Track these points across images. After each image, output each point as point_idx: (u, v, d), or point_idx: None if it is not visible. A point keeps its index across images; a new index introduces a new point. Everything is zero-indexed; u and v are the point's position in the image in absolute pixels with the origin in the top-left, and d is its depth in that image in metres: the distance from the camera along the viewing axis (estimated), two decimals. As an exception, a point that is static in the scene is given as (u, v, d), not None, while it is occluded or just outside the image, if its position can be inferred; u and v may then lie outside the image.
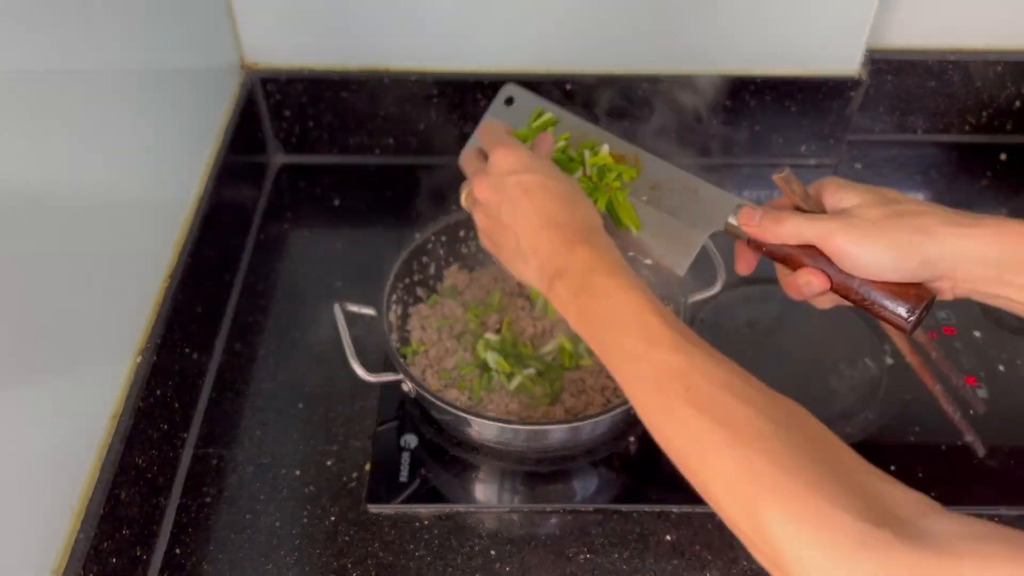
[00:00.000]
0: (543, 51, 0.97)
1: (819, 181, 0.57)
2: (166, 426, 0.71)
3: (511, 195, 0.56)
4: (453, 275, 0.85)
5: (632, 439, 0.75)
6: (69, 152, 0.61)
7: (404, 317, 0.81)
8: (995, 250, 0.50)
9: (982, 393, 0.79)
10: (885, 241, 0.51)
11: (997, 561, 0.36)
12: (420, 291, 0.83)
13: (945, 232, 0.50)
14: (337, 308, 0.73)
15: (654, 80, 0.98)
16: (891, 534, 0.38)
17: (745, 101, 1.00)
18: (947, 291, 0.53)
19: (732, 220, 0.59)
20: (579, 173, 0.65)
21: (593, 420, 0.68)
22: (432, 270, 0.84)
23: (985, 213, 0.52)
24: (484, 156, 0.61)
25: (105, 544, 0.60)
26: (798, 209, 0.56)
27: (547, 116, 0.68)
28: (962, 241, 0.50)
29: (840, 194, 0.54)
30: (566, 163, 0.65)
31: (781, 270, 0.58)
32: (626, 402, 0.67)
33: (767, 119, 1.02)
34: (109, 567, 0.60)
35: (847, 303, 0.56)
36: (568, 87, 0.98)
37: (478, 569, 0.67)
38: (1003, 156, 1.08)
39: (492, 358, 0.76)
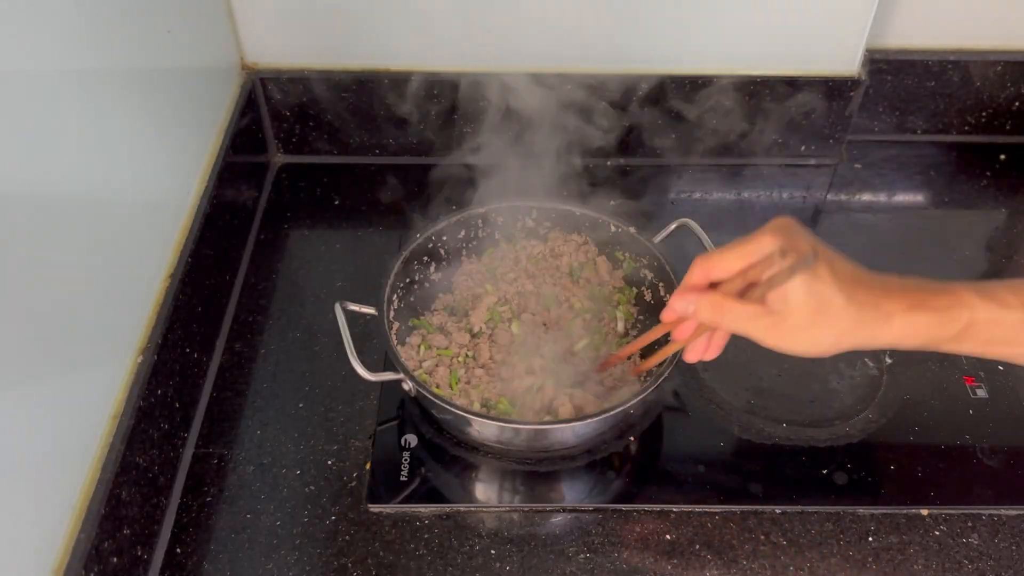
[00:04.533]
0: (543, 51, 0.97)
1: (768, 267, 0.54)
2: (166, 426, 0.71)
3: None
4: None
5: (632, 439, 0.75)
6: (69, 152, 0.61)
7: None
8: (910, 342, 0.54)
9: (982, 393, 0.79)
10: (822, 348, 0.55)
11: None
12: (420, 292, 0.83)
13: (861, 337, 0.54)
14: (337, 308, 0.73)
15: (654, 80, 0.98)
16: None
17: (745, 101, 1.00)
18: None
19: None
20: None
21: (593, 420, 0.68)
22: (432, 270, 0.84)
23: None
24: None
25: (106, 544, 0.60)
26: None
27: None
28: (879, 340, 0.54)
29: (784, 294, 0.53)
30: None
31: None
32: (626, 402, 0.67)
33: (767, 119, 1.02)
34: (110, 567, 0.60)
35: None
36: (568, 87, 0.98)
37: (478, 569, 0.67)
38: (1002, 156, 1.08)
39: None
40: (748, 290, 0.55)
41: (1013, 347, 0.53)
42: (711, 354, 0.63)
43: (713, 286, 0.57)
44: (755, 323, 0.55)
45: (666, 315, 0.61)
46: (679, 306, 0.58)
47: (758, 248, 0.54)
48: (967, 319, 0.52)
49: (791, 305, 0.53)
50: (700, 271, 0.57)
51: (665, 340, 0.66)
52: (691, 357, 0.63)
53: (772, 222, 0.55)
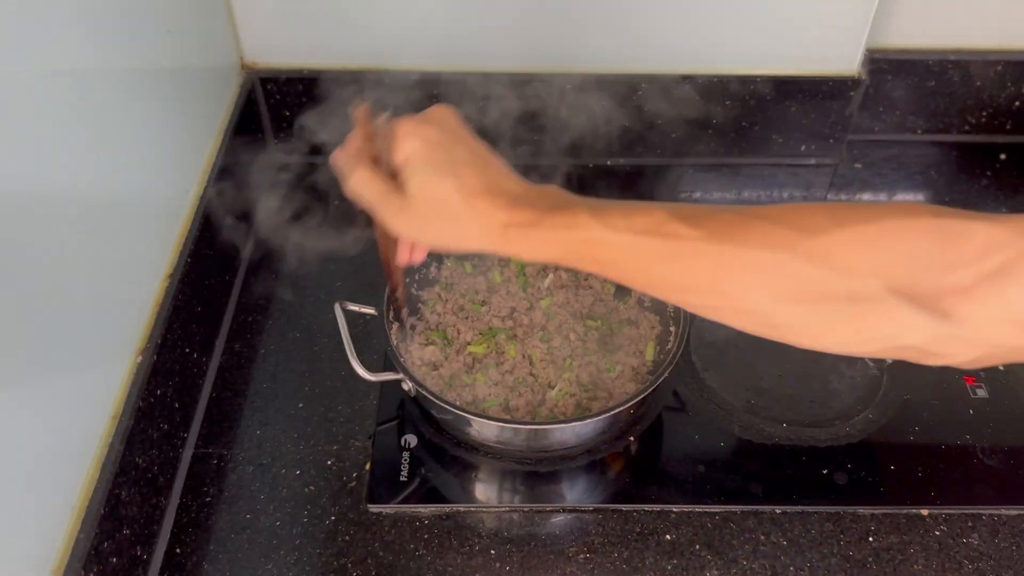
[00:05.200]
0: (542, 51, 0.97)
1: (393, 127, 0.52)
2: (166, 426, 0.71)
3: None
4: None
5: (632, 439, 0.75)
6: (69, 152, 0.61)
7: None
8: (526, 257, 0.51)
9: (982, 392, 0.79)
10: (443, 243, 0.52)
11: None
12: (418, 292, 0.83)
13: (480, 242, 0.51)
14: (337, 308, 0.73)
15: (654, 80, 0.98)
16: None
17: (745, 101, 1.00)
18: None
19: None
20: None
21: (593, 420, 0.68)
22: (432, 269, 0.84)
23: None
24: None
25: (105, 544, 0.60)
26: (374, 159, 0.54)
27: None
28: (498, 251, 0.51)
29: (414, 175, 0.51)
30: None
31: None
32: (625, 402, 0.68)
33: (767, 119, 1.02)
34: (109, 567, 0.60)
35: None
36: (568, 87, 0.98)
37: (478, 569, 0.67)
38: (1003, 156, 1.08)
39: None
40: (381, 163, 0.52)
41: (620, 271, 0.49)
42: (417, 256, 0.61)
43: None
44: (381, 198, 0.52)
45: (332, 161, 0.56)
46: (333, 160, 0.54)
47: (400, 125, 0.51)
48: (576, 239, 0.49)
49: (410, 190, 0.50)
50: (362, 128, 0.54)
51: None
52: (400, 259, 0.61)
53: (428, 111, 0.52)
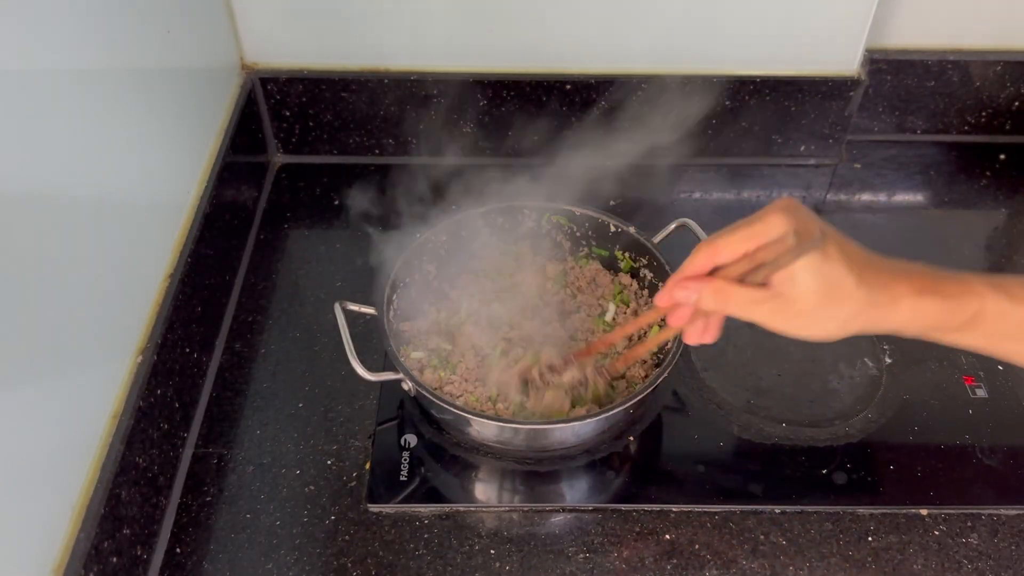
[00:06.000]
0: (542, 51, 0.97)
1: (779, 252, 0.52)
2: (166, 426, 0.71)
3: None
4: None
5: (632, 439, 0.75)
6: (69, 152, 0.61)
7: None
8: (915, 327, 0.53)
9: (981, 392, 0.79)
10: (830, 331, 0.53)
11: None
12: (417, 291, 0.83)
13: (868, 320, 0.52)
14: (337, 308, 0.73)
15: (654, 80, 0.98)
16: None
17: (745, 101, 1.00)
18: None
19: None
20: None
21: (593, 420, 0.68)
22: (432, 269, 0.84)
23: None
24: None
25: (105, 544, 0.60)
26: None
27: None
28: (885, 324, 0.53)
29: (791, 276, 0.52)
30: None
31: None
32: (625, 402, 0.68)
33: (767, 119, 1.02)
34: (110, 567, 0.60)
35: None
36: (568, 87, 0.98)
37: (478, 569, 0.67)
38: (1002, 156, 1.08)
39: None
40: (750, 273, 0.52)
41: (1018, 343, 0.52)
42: (710, 337, 0.60)
43: (715, 269, 0.55)
44: (761, 308, 0.52)
45: (661, 299, 0.57)
46: (681, 295, 0.55)
47: (766, 229, 0.51)
48: (975, 309, 0.51)
49: (799, 288, 0.51)
50: (705, 256, 0.54)
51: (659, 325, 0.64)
52: (691, 340, 0.60)
53: (777, 202, 0.53)
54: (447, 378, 0.75)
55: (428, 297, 0.83)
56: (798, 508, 0.71)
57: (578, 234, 0.87)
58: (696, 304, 0.55)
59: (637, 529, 0.70)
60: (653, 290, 0.82)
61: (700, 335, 0.59)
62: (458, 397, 0.74)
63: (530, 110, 1.00)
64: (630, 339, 0.78)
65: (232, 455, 0.74)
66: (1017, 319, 0.51)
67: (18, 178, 0.54)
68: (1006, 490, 0.72)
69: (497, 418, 0.70)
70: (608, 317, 0.81)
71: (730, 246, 0.53)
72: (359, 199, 1.00)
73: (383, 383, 0.77)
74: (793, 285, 0.51)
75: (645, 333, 0.78)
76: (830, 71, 1.00)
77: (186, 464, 0.74)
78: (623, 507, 0.71)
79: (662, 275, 0.80)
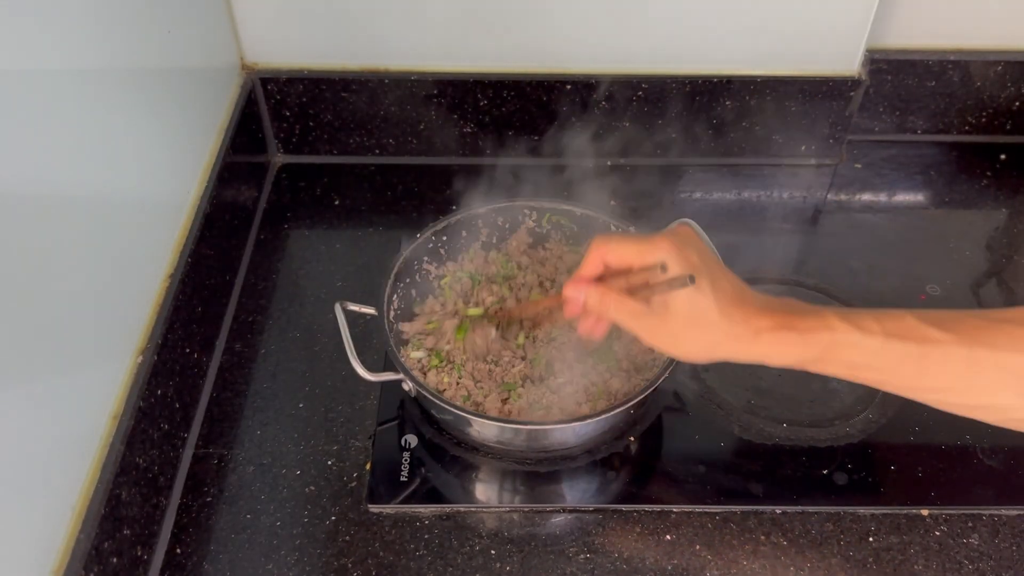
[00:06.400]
0: (542, 51, 0.97)
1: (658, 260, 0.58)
2: (166, 426, 0.71)
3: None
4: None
5: (632, 439, 0.75)
6: (69, 152, 0.61)
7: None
8: (777, 358, 0.57)
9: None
10: (694, 354, 0.59)
11: None
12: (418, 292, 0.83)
13: (732, 349, 0.57)
14: (338, 308, 0.73)
15: (654, 80, 0.98)
16: None
17: (745, 101, 1.00)
18: None
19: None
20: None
21: (593, 420, 0.68)
22: (432, 269, 0.84)
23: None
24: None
25: (106, 544, 0.60)
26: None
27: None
28: (748, 354, 0.57)
29: (665, 300, 0.57)
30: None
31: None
32: (625, 402, 0.67)
33: (767, 119, 1.02)
34: (110, 567, 0.60)
35: None
36: (568, 87, 0.98)
37: (478, 569, 0.67)
38: (1002, 156, 1.08)
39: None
40: (638, 288, 0.59)
41: (873, 372, 0.55)
42: (598, 333, 0.65)
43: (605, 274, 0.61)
44: (636, 321, 0.59)
45: (566, 294, 0.62)
46: (570, 293, 0.61)
47: (651, 251, 0.57)
48: (828, 341, 0.55)
49: (670, 311, 0.57)
50: (596, 254, 0.60)
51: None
52: (581, 330, 0.65)
53: (672, 228, 0.59)
54: (449, 382, 0.75)
55: (428, 297, 0.83)
56: (799, 508, 0.71)
57: (578, 234, 0.87)
58: (584, 306, 0.61)
59: (638, 529, 0.70)
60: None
61: (590, 329, 0.65)
62: (459, 397, 0.74)
63: (530, 110, 1.00)
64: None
65: (232, 455, 0.74)
66: (868, 349, 0.54)
67: (18, 178, 0.54)
68: (1007, 490, 0.72)
69: (497, 418, 0.70)
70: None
71: (618, 252, 0.59)
72: (359, 199, 1.01)
73: (383, 383, 0.77)
74: (665, 308, 0.57)
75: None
76: (830, 71, 1.00)
77: (186, 464, 0.74)
78: (624, 507, 0.71)
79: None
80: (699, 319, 0.56)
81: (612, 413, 0.67)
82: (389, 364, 0.73)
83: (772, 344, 0.56)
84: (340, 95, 0.99)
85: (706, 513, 0.71)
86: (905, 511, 0.71)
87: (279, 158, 1.05)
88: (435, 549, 0.68)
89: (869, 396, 0.79)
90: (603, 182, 1.01)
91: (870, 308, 0.56)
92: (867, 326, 0.54)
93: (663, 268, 0.57)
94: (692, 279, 0.54)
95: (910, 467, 0.74)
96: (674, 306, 0.56)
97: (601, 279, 0.61)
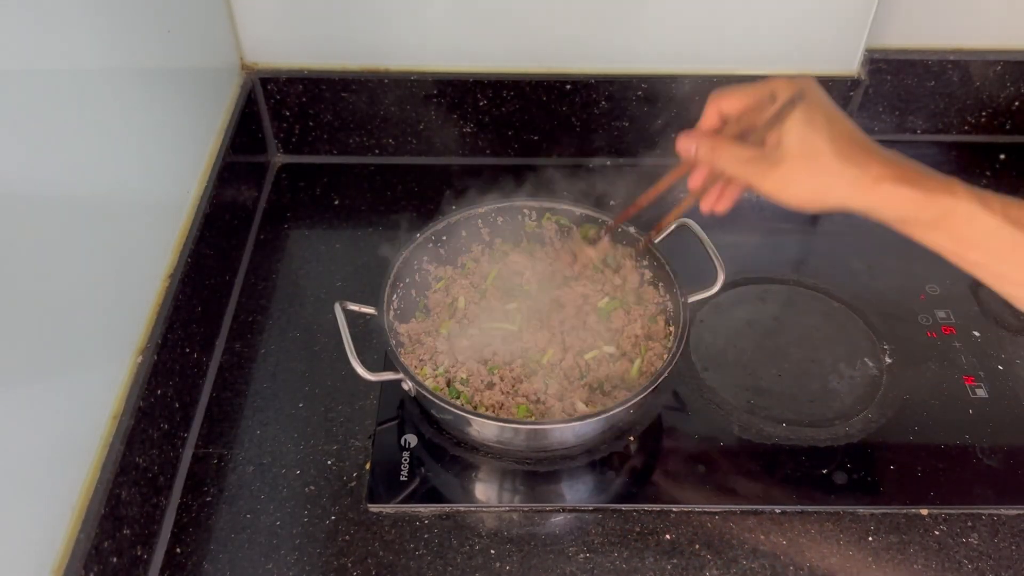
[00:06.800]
0: (542, 51, 0.97)
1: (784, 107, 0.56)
2: (166, 426, 0.71)
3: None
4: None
5: (632, 439, 0.75)
6: (69, 152, 0.61)
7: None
8: (889, 212, 0.54)
9: (981, 392, 0.79)
10: (806, 199, 0.56)
11: None
12: (418, 293, 0.83)
13: (844, 194, 0.55)
14: (337, 307, 0.73)
15: (654, 80, 0.98)
16: None
17: (745, 101, 1.00)
18: None
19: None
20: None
21: (593, 420, 0.68)
22: (432, 269, 0.84)
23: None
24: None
25: (106, 544, 0.60)
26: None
27: None
28: (861, 202, 0.55)
29: (779, 138, 0.55)
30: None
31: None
32: (625, 402, 0.68)
33: (767, 119, 1.02)
34: (110, 567, 0.60)
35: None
36: (568, 87, 0.98)
37: (478, 569, 0.67)
38: (1002, 156, 1.08)
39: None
40: (749, 134, 0.57)
41: (980, 252, 0.53)
42: (722, 205, 0.63)
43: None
44: (748, 167, 0.56)
45: (679, 148, 0.61)
46: (682, 146, 0.59)
47: (767, 87, 0.56)
48: (948, 206, 0.52)
49: (784, 150, 0.54)
50: (712, 108, 0.59)
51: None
52: (704, 207, 0.64)
53: (798, 79, 0.56)
54: (448, 379, 0.76)
55: (428, 297, 0.83)
56: (798, 508, 0.71)
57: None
58: (695, 157, 0.59)
59: (637, 529, 0.70)
60: (654, 290, 0.82)
61: (712, 202, 0.64)
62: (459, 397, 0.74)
63: (530, 110, 1.00)
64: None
65: (232, 455, 0.74)
66: (985, 226, 0.52)
67: (19, 178, 0.54)
68: (1006, 490, 0.72)
69: (497, 418, 0.70)
70: (602, 304, 0.81)
71: (732, 96, 0.58)
72: (359, 199, 1.01)
73: (383, 383, 0.77)
74: (778, 147, 0.54)
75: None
76: (830, 71, 1.00)
77: (186, 464, 0.74)
78: (623, 507, 0.71)
79: (662, 275, 0.80)
80: (814, 158, 0.53)
81: (612, 413, 0.67)
82: (389, 364, 0.73)
83: (889, 195, 0.53)
84: (340, 95, 0.99)
85: (706, 513, 0.71)
86: (905, 511, 0.71)
87: (279, 158, 1.05)
88: (435, 549, 0.68)
89: (869, 396, 0.79)
90: (603, 182, 1.02)
91: (1000, 194, 0.54)
92: (990, 203, 0.52)
93: (772, 99, 0.54)
94: (802, 96, 0.52)
95: (910, 467, 0.74)
96: (788, 144, 0.54)
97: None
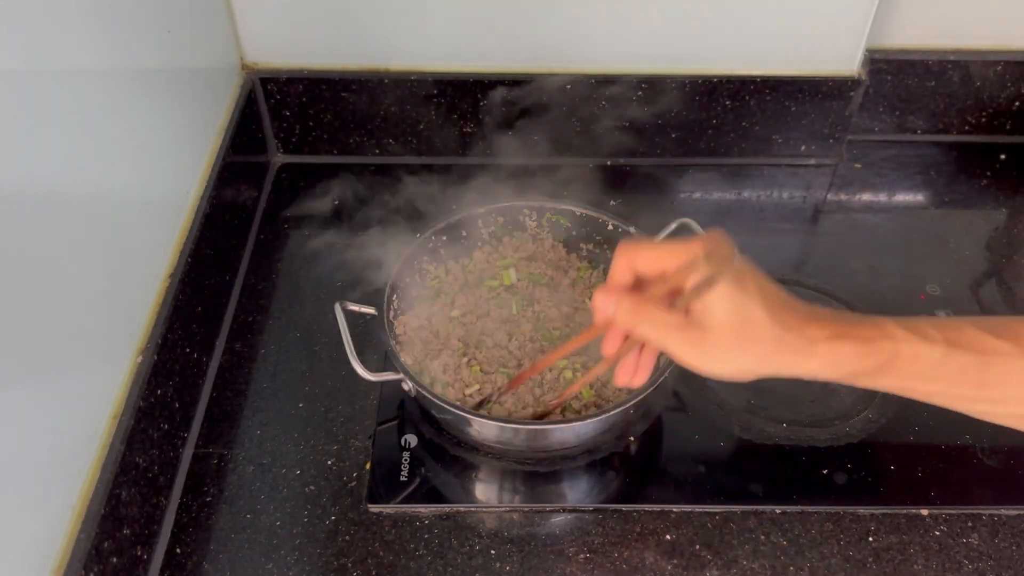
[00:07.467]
0: (542, 51, 0.97)
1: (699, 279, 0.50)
2: (166, 426, 0.71)
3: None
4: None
5: (632, 439, 0.75)
6: (69, 152, 0.61)
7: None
8: (831, 371, 0.51)
9: (982, 393, 0.79)
10: (739, 368, 0.51)
11: None
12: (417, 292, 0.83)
13: (783, 362, 0.50)
14: (338, 307, 0.73)
15: (653, 80, 0.98)
16: None
17: (745, 101, 1.00)
18: None
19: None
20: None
21: (593, 420, 0.68)
22: (432, 269, 0.84)
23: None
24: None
25: (106, 544, 0.60)
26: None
27: None
28: (801, 367, 0.51)
29: (707, 307, 0.50)
30: None
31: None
32: (625, 402, 0.68)
33: (767, 119, 1.02)
34: (110, 567, 0.60)
35: None
36: (568, 87, 0.98)
37: (478, 569, 0.67)
38: (1002, 156, 1.08)
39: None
40: (672, 300, 0.51)
41: (931, 383, 0.51)
42: (639, 378, 0.57)
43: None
44: (676, 335, 0.50)
45: (594, 312, 0.54)
46: (600, 303, 0.52)
47: (684, 250, 0.51)
48: (890, 351, 0.50)
49: (714, 318, 0.49)
50: (624, 261, 0.53)
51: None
52: (619, 380, 0.58)
53: (702, 233, 0.53)
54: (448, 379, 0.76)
55: (428, 297, 0.83)
56: (799, 508, 0.71)
57: (578, 234, 0.87)
58: (614, 319, 0.52)
59: (638, 529, 0.70)
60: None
61: (630, 375, 0.57)
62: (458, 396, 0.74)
63: (530, 110, 1.00)
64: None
65: (232, 455, 0.74)
66: (930, 359, 0.50)
67: (18, 178, 0.54)
68: (1007, 490, 0.72)
69: (497, 418, 0.70)
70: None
71: (647, 255, 0.52)
72: (359, 199, 1.01)
73: (383, 383, 0.77)
74: (709, 316, 0.49)
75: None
76: (830, 71, 1.00)
77: (186, 464, 0.74)
78: (624, 507, 0.71)
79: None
80: (748, 327, 0.49)
81: (612, 413, 0.67)
82: (389, 364, 0.73)
83: (829, 355, 0.49)
84: (340, 95, 0.99)
85: (706, 513, 0.71)
86: (905, 511, 0.71)
87: (279, 158, 1.05)
88: (435, 549, 0.68)
89: (869, 396, 0.79)
90: (603, 182, 1.02)
91: (926, 316, 0.52)
92: (928, 335, 0.50)
93: (694, 263, 0.49)
94: (729, 269, 0.48)
95: (910, 467, 0.74)
96: (718, 313, 0.49)
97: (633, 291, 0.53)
